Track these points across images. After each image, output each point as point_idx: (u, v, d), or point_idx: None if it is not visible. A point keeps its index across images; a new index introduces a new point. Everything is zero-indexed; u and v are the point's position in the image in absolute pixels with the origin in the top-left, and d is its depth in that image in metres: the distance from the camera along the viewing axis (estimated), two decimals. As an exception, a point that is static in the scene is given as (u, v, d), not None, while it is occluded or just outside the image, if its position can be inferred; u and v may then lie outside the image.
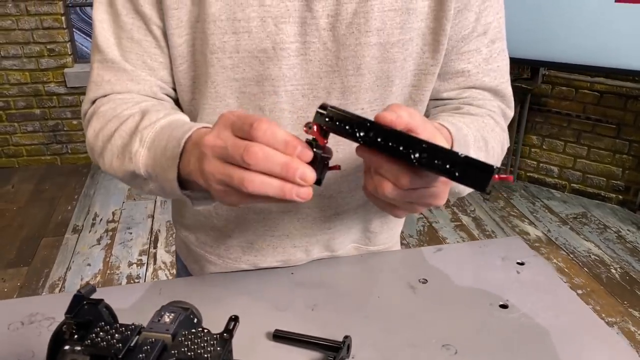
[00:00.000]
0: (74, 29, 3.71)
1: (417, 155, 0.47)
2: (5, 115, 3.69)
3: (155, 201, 3.35)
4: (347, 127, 0.51)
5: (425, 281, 0.87)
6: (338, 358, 0.68)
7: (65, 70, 3.62)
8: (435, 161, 0.47)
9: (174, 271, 2.65)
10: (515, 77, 3.30)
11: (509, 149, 3.49)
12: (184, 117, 0.69)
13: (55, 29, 3.53)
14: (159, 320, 0.53)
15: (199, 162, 0.53)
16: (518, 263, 0.92)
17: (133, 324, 0.52)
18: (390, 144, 0.49)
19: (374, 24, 0.70)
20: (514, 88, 3.35)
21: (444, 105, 0.82)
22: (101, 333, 0.51)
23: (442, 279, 0.88)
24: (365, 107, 0.76)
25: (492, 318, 0.80)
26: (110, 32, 0.73)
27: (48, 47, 3.56)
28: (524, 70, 3.32)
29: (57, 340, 0.54)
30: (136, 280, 2.57)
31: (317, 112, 0.52)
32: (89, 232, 3.01)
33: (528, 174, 3.66)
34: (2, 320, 0.78)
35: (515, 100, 3.21)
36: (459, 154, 0.46)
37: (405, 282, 0.87)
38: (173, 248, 2.84)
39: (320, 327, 0.75)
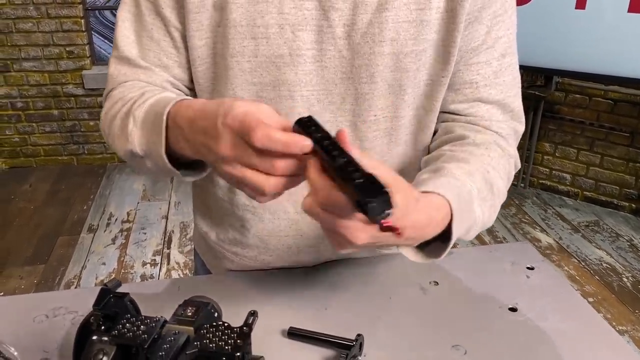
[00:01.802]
0: (92, 32, 3.78)
1: (338, 161, 0.48)
2: (24, 115, 3.76)
3: (169, 202, 3.39)
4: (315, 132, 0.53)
5: (436, 283, 0.89)
6: (350, 356, 0.71)
7: (84, 72, 3.68)
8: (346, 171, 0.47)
9: (187, 272, 2.69)
10: (528, 85, 3.31)
11: (521, 155, 3.49)
12: (172, 95, 0.72)
13: (75, 32, 3.59)
14: (181, 314, 0.55)
15: (217, 166, 0.57)
16: (528, 268, 0.94)
17: (157, 317, 0.55)
18: (329, 148, 0.50)
19: (388, 34, 0.72)
20: (528, 95, 3.33)
21: (452, 120, 0.82)
22: (127, 324, 0.54)
23: (453, 282, 0.90)
24: (378, 114, 0.78)
25: (501, 320, 0.81)
26: (131, 31, 0.78)
27: (67, 49, 3.63)
28: (538, 78, 3.32)
29: (85, 331, 0.57)
30: (149, 280, 2.60)
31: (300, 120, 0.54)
32: (104, 231, 3.06)
33: (540, 181, 3.65)
34: (28, 313, 0.82)
35: (528, 108, 3.21)
36: (359, 178, 0.45)
37: (417, 284, 0.89)
38: (186, 249, 2.88)
39: (333, 326, 0.77)
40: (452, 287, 0.89)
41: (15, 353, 0.72)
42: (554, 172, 3.58)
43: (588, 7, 2.78)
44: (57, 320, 0.81)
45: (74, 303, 0.84)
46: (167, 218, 3.21)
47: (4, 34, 3.52)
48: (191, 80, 0.81)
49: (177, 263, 2.76)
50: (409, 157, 0.85)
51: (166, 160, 0.64)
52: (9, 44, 3.55)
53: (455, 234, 0.63)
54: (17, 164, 3.89)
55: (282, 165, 0.52)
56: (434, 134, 0.84)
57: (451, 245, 0.65)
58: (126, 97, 0.74)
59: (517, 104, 0.82)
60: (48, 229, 3.09)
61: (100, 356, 0.51)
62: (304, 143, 0.51)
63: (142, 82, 0.78)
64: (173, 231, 3.05)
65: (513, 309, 0.84)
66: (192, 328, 0.54)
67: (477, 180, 0.70)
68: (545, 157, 3.59)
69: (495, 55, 0.78)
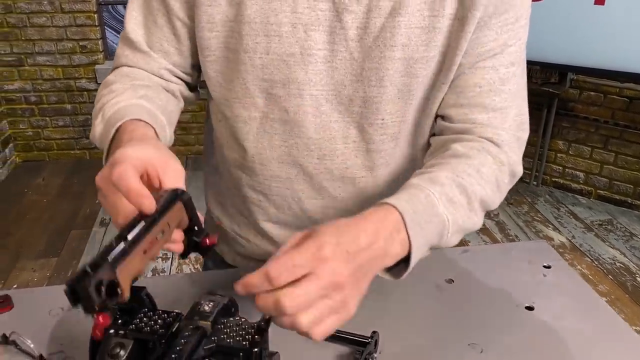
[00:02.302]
0: (105, 27, 3.79)
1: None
2: (37, 109, 3.78)
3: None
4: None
5: (451, 281, 0.88)
6: (366, 353, 0.70)
7: (97, 66, 3.69)
8: None
9: (198, 266, 2.70)
10: (542, 82, 3.28)
11: (534, 153, 3.47)
12: (146, 105, 0.72)
13: (88, 26, 3.61)
14: (199, 308, 0.55)
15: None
16: (544, 266, 0.93)
17: (174, 311, 0.54)
18: None
19: (400, 40, 0.72)
20: (542, 92, 3.29)
21: (445, 129, 0.78)
22: (144, 319, 0.54)
23: (469, 280, 0.89)
24: (385, 118, 0.78)
25: (518, 319, 0.81)
26: (139, 12, 0.81)
27: (80, 43, 3.64)
28: (552, 75, 3.29)
29: (102, 324, 0.56)
30: (161, 274, 2.61)
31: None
32: (116, 225, 3.08)
33: (553, 179, 3.62)
34: (43, 306, 0.82)
35: (542, 105, 3.17)
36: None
37: (432, 282, 0.88)
38: (197, 243, 2.89)
39: (348, 323, 0.77)
40: (468, 285, 0.88)
41: (32, 345, 0.72)
42: (567, 170, 3.55)
43: (607, 2, 2.75)
44: (73, 314, 0.81)
45: (89, 296, 0.84)
46: (178, 213, 3.21)
47: (18, 28, 3.54)
48: (194, 68, 0.85)
49: (189, 257, 2.77)
50: (410, 157, 0.86)
51: (104, 164, 0.64)
52: (23, 38, 3.57)
53: (416, 236, 0.60)
54: (31, 158, 3.92)
55: (122, 207, 0.53)
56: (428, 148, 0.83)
57: (416, 252, 0.61)
58: (112, 87, 0.76)
59: (521, 112, 0.79)
60: (61, 222, 3.11)
61: (118, 350, 0.51)
62: (143, 203, 0.51)
63: (139, 72, 0.81)
64: (184, 226, 3.06)
65: (530, 308, 0.83)
66: (209, 323, 0.53)
67: (441, 185, 0.66)
68: (558, 155, 3.56)
69: (503, 62, 0.75)
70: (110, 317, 0.50)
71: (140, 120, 0.67)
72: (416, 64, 0.74)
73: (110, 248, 0.46)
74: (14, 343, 0.73)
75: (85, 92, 3.77)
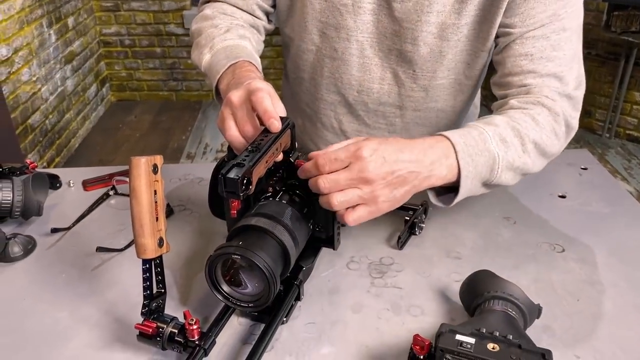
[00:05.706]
0: (192, -26, 4.02)
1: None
2: (131, 52, 4.11)
3: (258, 136, 3.64)
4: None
5: (496, 175, 1.03)
6: (414, 217, 0.87)
7: (184, 12, 3.95)
8: None
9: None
10: (622, 30, 3.21)
11: (608, 105, 3.43)
12: (247, 47, 0.90)
13: (177, -26, 3.85)
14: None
15: (222, 104, 0.74)
16: (582, 168, 1.06)
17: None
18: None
19: (436, 7, 0.85)
20: (620, 42, 3.23)
21: (504, 96, 0.85)
22: None
23: (511, 174, 1.03)
24: (417, 71, 0.93)
25: (550, 203, 0.95)
26: None
27: (170, -10, 3.91)
28: (633, 23, 3.21)
29: (219, 167, 0.77)
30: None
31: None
32: (201, 158, 3.37)
33: (627, 132, 3.56)
34: (165, 177, 1.04)
35: (619, 55, 3.18)
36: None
37: (479, 175, 1.03)
38: (273, 176, 3.13)
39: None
40: (510, 177, 1.02)
41: (162, 196, 0.95)
42: (642, 122, 3.49)
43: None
44: (188, 182, 1.03)
45: (201, 171, 1.06)
46: (255, 150, 3.45)
47: (115, -25, 3.84)
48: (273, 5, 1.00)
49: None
50: (445, 113, 0.99)
51: (214, 85, 0.85)
52: (119, -16, 3.87)
53: (466, 165, 0.70)
54: (124, 97, 4.28)
55: (246, 126, 0.70)
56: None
57: (466, 180, 0.71)
58: (215, 22, 0.93)
59: (578, 75, 0.84)
60: (151, 154, 3.38)
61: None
62: (274, 123, 0.66)
63: (232, 9, 0.96)
64: (261, 161, 3.31)
65: (562, 196, 0.97)
66: None
67: (495, 126, 0.75)
68: (634, 107, 3.49)
69: (554, 30, 0.80)
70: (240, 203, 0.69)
71: (251, 63, 0.84)
72: (448, 29, 0.87)
73: (249, 152, 0.62)
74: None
75: (174, 37, 4.05)
